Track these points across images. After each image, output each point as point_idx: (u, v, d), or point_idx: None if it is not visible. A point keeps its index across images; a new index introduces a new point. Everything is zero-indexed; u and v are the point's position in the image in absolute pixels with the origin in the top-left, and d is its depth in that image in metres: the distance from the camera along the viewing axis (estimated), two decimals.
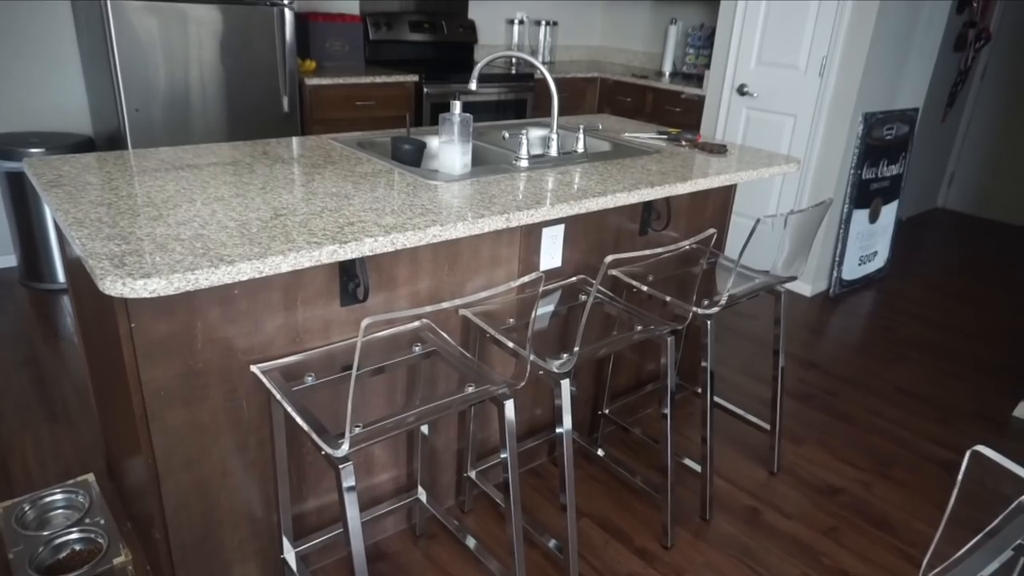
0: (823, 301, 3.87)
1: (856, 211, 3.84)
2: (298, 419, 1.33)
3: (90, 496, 1.83)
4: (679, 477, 2.33)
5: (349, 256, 1.37)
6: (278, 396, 1.41)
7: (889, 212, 4.13)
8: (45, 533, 1.71)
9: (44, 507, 1.81)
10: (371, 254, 1.41)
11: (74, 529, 1.73)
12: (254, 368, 1.51)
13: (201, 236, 1.33)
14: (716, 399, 2.50)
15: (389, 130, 2.46)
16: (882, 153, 3.84)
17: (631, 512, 2.16)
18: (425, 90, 3.89)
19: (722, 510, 2.19)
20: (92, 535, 1.72)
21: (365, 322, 1.13)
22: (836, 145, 3.62)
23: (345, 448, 1.26)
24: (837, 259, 3.88)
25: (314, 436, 1.29)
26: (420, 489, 1.97)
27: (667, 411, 1.92)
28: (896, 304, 3.89)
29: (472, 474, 2.04)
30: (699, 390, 2.64)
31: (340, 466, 1.27)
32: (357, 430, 1.33)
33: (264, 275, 1.26)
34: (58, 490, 1.84)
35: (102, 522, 1.77)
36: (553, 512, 2.13)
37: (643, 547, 2.02)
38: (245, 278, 1.24)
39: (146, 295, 1.14)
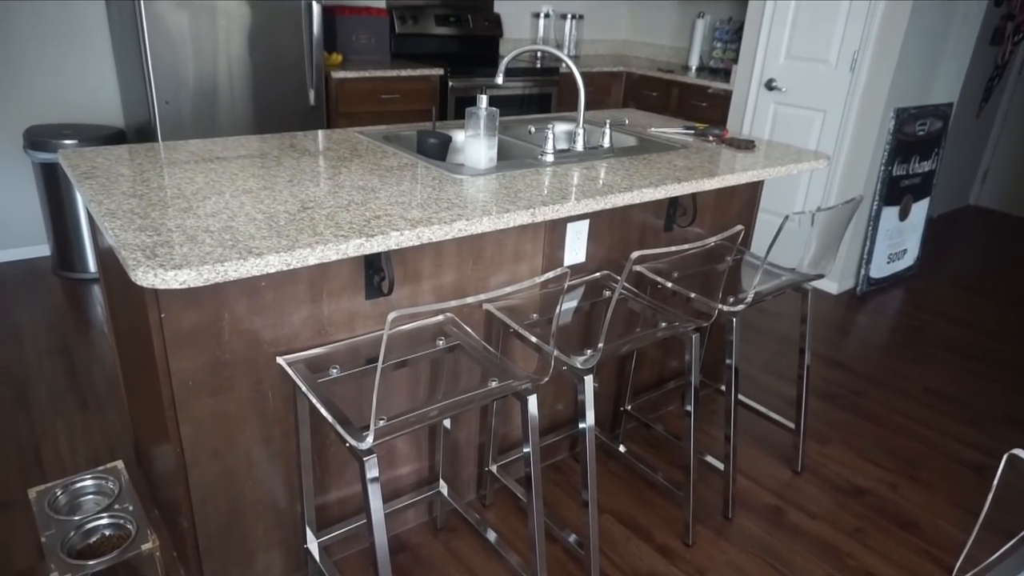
0: (850, 299, 3.82)
1: (886, 208, 3.78)
2: (323, 411, 1.34)
3: (119, 482, 1.86)
4: (701, 475, 2.31)
5: (375, 250, 1.37)
6: (303, 388, 1.43)
7: (920, 209, 4.05)
8: (76, 518, 1.75)
9: (75, 492, 1.85)
10: (397, 248, 1.41)
11: (104, 515, 1.76)
12: (280, 360, 1.53)
13: (230, 228, 1.35)
14: (740, 397, 2.48)
15: (415, 124, 2.46)
16: (914, 149, 3.77)
17: (652, 509, 2.15)
18: (450, 84, 3.89)
19: (745, 509, 2.18)
20: (121, 521, 1.76)
21: (392, 315, 1.14)
22: (866, 141, 3.56)
23: (370, 441, 1.27)
24: (865, 257, 3.82)
25: (339, 428, 1.30)
26: (441, 482, 1.98)
27: (691, 408, 1.91)
28: (925, 303, 3.83)
29: (493, 468, 2.05)
30: (722, 388, 2.62)
31: (364, 458, 1.28)
32: (381, 423, 1.33)
33: (291, 268, 1.28)
34: (88, 476, 1.88)
35: (131, 508, 1.80)
36: (573, 507, 2.13)
37: (664, 544, 2.01)
38: (273, 270, 1.25)
39: (177, 286, 1.15)
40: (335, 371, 1.54)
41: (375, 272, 1.61)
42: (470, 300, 1.33)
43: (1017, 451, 0.76)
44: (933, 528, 2.15)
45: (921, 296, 3.92)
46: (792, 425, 2.36)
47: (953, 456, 2.51)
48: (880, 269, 3.93)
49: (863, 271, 3.84)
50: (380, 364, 1.20)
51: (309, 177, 1.71)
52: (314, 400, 1.38)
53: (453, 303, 1.29)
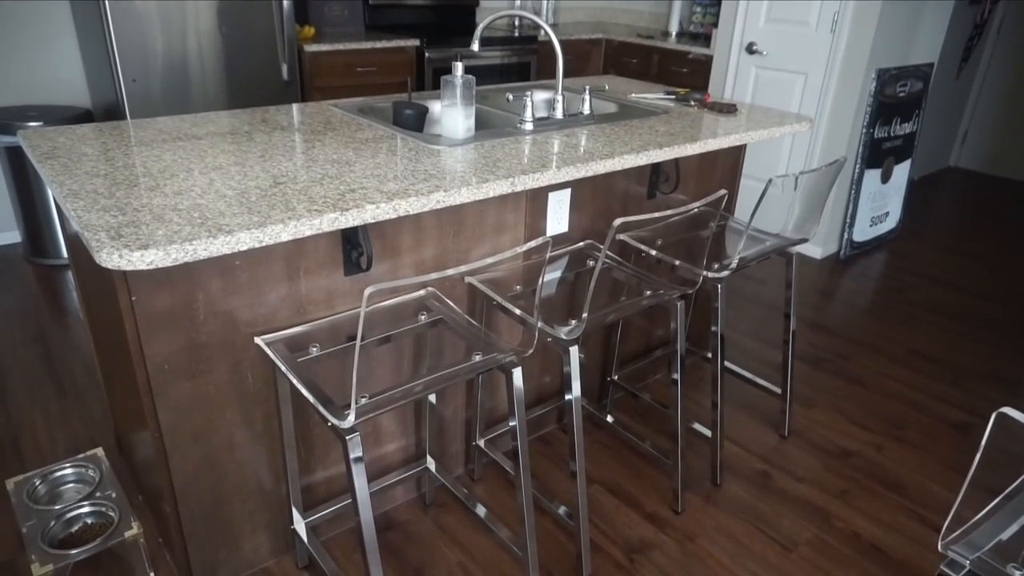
0: (834, 263, 3.82)
1: (868, 171, 3.77)
2: (303, 391, 1.31)
3: (100, 470, 1.83)
4: (689, 442, 2.32)
5: (350, 224, 1.33)
6: (283, 368, 1.39)
7: (902, 172, 4.05)
8: (57, 507, 1.71)
9: (54, 482, 1.81)
10: (373, 221, 1.37)
11: (85, 503, 1.73)
12: (258, 340, 1.49)
13: (199, 206, 1.30)
14: (726, 364, 2.48)
15: (391, 96, 2.40)
16: (895, 111, 3.76)
17: (641, 478, 2.15)
18: (427, 55, 3.81)
19: (733, 475, 2.19)
20: (103, 508, 1.72)
21: (368, 291, 1.10)
22: (848, 103, 3.54)
23: (351, 419, 1.24)
24: (848, 220, 3.82)
25: (320, 408, 1.27)
26: (429, 458, 1.96)
27: (677, 376, 1.90)
28: (908, 265, 3.84)
29: (481, 443, 2.03)
30: (709, 355, 2.62)
31: (347, 437, 1.25)
32: (363, 401, 1.31)
33: (264, 244, 1.23)
34: (68, 465, 1.84)
35: (113, 495, 1.77)
36: (563, 479, 2.13)
37: (654, 512, 2.02)
38: (244, 248, 1.21)
39: (143, 267, 1.11)
40: (315, 350, 1.50)
41: (353, 248, 1.57)
42: (451, 272, 1.30)
43: (1006, 409, 0.75)
44: (918, 488, 2.17)
45: (904, 258, 3.94)
46: (778, 390, 2.37)
47: (938, 416, 2.53)
48: (863, 232, 3.94)
49: (846, 235, 3.84)
50: (358, 342, 1.17)
51: (281, 152, 1.66)
52: (294, 380, 1.35)
53: (434, 276, 1.26)
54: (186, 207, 1.29)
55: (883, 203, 4.01)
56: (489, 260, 1.35)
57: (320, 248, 1.55)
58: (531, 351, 1.52)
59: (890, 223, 4.15)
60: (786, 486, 2.15)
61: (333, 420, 1.26)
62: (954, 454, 2.32)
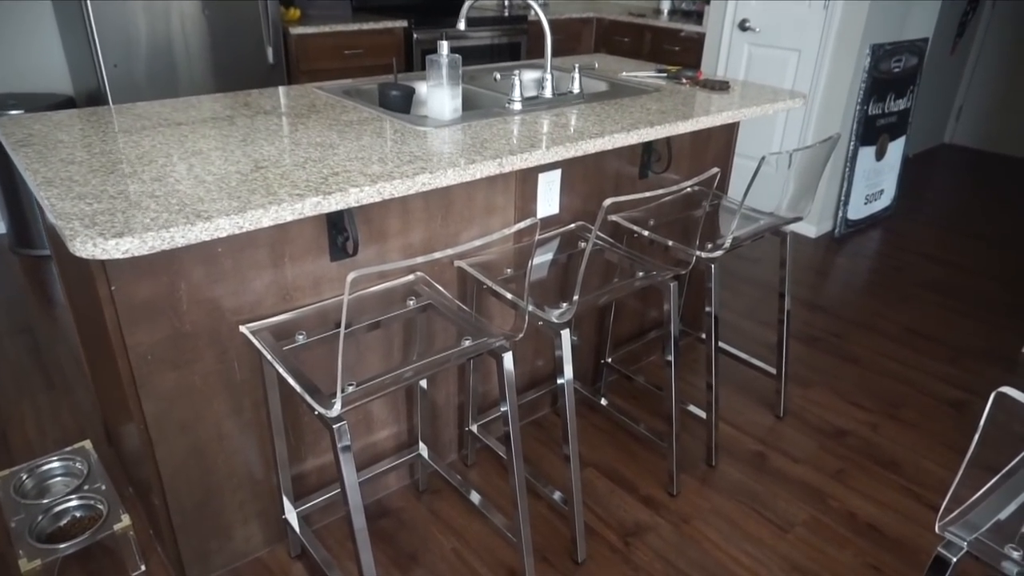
0: (828, 242, 3.80)
1: (862, 148, 3.74)
2: (290, 379, 1.29)
3: (88, 463, 1.81)
4: (684, 424, 2.30)
5: (334, 208, 1.30)
6: (269, 356, 1.37)
7: (896, 149, 4.02)
8: (45, 501, 1.69)
9: (42, 475, 1.79)
10: (357, 205, 1.34)
11: (73, 496, 1.71)
12: (243, 328, 1.46)
13: (177, 192, 1.27)
14: (720, 344, 2.46)
15: (378, 77, 2.36)
16: (890, 87, 3.72)
17: (636, 461, 2.13)
18: (415, 36, 3.75)
19: (728, 456, 2.17)
20: (92, 502, 1.70)
21: (350, 277, 1.07)
22: (842, 80, 3.49)
23: (337, 408, 1.22)
24: (842, 198, 3.79)
25: (306, 397, 1.25)
26: (421, 444, 1.94)
27: (671, 358, 1.88)
28: (903, 243, 3.82)
29: (474, 428, 2.01)
30: (703, 336, 2.60)
31: (334, 426, 1.23)
32: (350, 389, 1.28)
33: (245, 231, 1.20)
34: (55, 458, 1.82)
35: (103, 488, 1.75)
36: (557, 463, 2.11)
37: (649, 495, 2.00)
38: (224, 234, 1.17)
39: (119, 256, 1.08)
40: (301, 337, 1.48)
41: (338, 232, 1.54)
42: (438, 256, 1.27)
43: (1005, 389, 0.73)
44: (914, 466, 2.16)
45: (899, 236, 3.92)
46: (773, 371, 2.35)
47: (933, 394, 2.52)
48: (857, 210, 3.91)
49: (840, 213, 3.81)
50: (343, 329, 1.14)
51: (264, 136, 1.62)
52: (280, 369, 1.32)
53: (420, 260, 1.23)
54: (164, 193, 1.26)
55: (877, 181, 3.98)
56: (477, 242, 1.32)
57: (305, 233, 1.52)
58: (521, 335, 1.50)
59: (885, 201, 4.12)
60: (782, 467, 2.14)
61: (320, 409, 1.23)
62: (950, 433, 2.31)
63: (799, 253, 3.64)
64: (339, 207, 1.31)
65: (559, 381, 1.64)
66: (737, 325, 2.92)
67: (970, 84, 5.56)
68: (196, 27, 3.06)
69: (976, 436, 0.74)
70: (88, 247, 1.07)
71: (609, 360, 2.38)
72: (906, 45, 3.71)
